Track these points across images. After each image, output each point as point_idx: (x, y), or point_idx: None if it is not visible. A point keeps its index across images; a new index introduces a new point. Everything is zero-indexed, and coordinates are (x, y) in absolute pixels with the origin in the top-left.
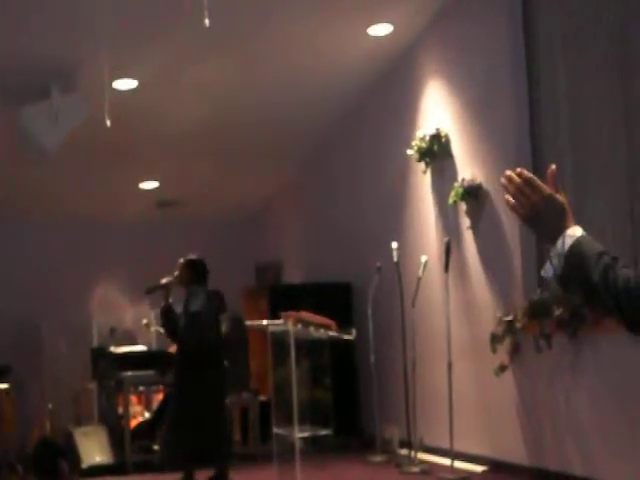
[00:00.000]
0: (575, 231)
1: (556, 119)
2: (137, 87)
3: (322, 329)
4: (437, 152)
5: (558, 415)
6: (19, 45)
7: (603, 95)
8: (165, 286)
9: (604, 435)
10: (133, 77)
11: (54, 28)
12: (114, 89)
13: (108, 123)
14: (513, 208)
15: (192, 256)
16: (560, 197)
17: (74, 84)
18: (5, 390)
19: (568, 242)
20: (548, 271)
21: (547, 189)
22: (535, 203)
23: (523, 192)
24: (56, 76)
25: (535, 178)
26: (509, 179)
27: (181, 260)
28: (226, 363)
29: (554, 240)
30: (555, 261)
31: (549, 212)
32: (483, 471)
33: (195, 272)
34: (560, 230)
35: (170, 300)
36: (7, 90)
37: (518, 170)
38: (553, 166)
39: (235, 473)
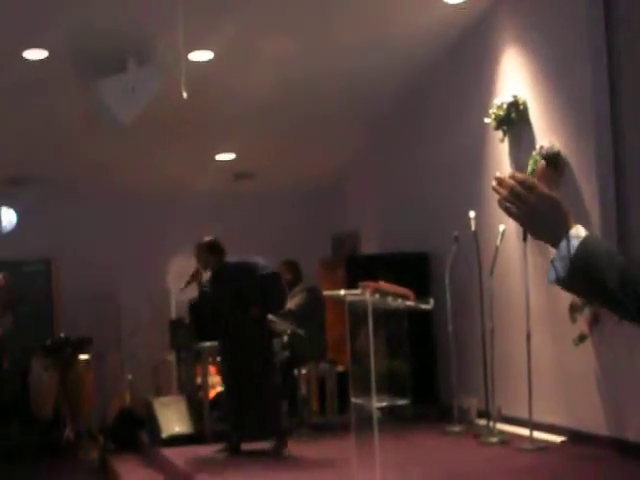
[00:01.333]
0: (579, 231)
1: (636, 85)
2: (212, 58)
3: (400, 299)
4: (515, 120)
5: (638, 385)
6: (95, 18)
7: None
8: (195, 276)
9: None
10: (209, 48)
11: (129, 1)
12: (190, 61)
13: (185, 95)
14: (508, 211)
15: (207, 238)
16: (558, 196)
17: (150, 57)
18: (86, 361)
19: (574, 244)
20: (551, 275)
21: (544, 188)
22: (533, 204)
23: (518, 194)
24: (132, 49)
25: (530, 178)
26: (499, 182)
27: (197, 244)
28: (302, 333)
29: (557, 242)
30: (559, 264)
31: (549, 212)
32: (562, 441)
33: (214, 253)
34: (562, 231)
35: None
36: (84, 63)
37: (509, 173)
38: (542, 162)
39: (313, 443)
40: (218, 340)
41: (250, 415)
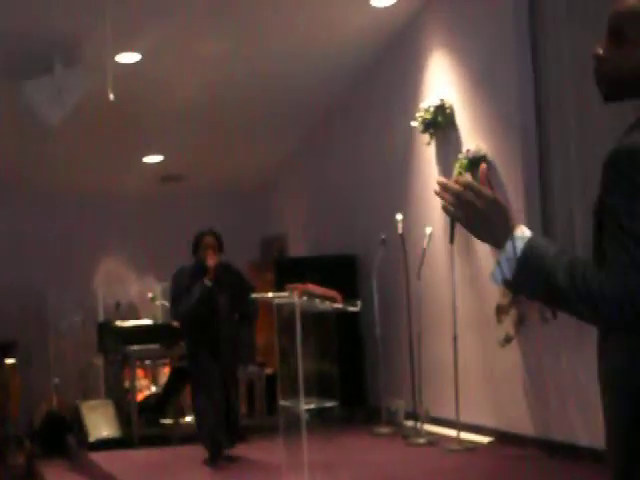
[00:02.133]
0: (524, 232)
1: (560, 89)
2: (140, 60)
3: (327, 301)
4: (441, 123)
5: (563, 385)
6: (22, 19)
7: None
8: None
9: None
10: (137, 50)
11: (57, 2)
12: (117, 63)
13: (111, 97)
14: (454, 216)
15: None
16: (502, 200)
17: (77, 58)
18: (12, 365)
19: (519, 245)
20: (497, 275)
21: (490, 192)
22: (479, 209)
23: (464, 198)
24: (59, 50)
25: (475, 183)
26: (443, 187)
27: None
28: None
29: (502, 243)
30: (505, 265)
31: (494, 215)
32: (489, 442)
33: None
34: (507, 232)
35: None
36: (10, 64)
37: (454, 178)
38: (484, 165)
39: (242, 445)
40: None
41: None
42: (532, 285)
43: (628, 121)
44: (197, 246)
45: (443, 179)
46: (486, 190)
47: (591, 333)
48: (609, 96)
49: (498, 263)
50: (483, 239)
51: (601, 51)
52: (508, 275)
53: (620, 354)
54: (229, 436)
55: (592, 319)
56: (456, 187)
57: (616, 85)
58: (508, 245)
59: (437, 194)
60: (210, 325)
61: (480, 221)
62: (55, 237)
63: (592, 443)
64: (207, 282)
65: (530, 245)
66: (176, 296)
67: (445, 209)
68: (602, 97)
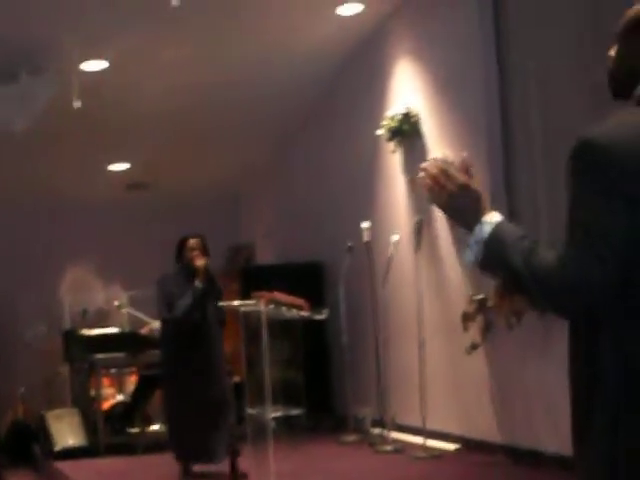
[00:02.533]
0: (493, 217)
1: (526, 98)
2: (107, 68)
3: (294, 309)
4: (407, 132)
5: (529, 392)
6: None
7: (573, 74)
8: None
9: None
10: (103, 58)
11: (23, 9)
12: (83, 70)
13: (77, 104)
14: (432, 198)
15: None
16: (474, 184)
17: (43, 66)
18: None
19: (487, 229)
20: (469, 257)
21: (462, 177)
22: (451, 192)
23: (439, 182)
24: (25, 58)
25: (450, 168)
26: (424, 170)
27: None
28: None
29: (472, 226)
30: (475, 247)
31: (465, 200)
32: (455, 449)
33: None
34: (477, 217)
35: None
36: None
37: (432, 158)
38: (465, 154)
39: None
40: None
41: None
42: (494, 267)
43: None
44: (181, 250)
45: (425, 163)
46: (459, 175)
47: (557, 339)
48: (614, 93)
49: (468, 246)
50: (456, 222)
51: (612, 52)
52: (479, 257)
53: (604, 355)
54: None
55: (543, 305)
56: (433, 170)
57: (615, 85)
58: (477, 229)
59: (420, 179)
60: (200, 330)
61: (453, 204)
62: (21, 245)
63: (558, 450)
64: (198, 284)
65: (496, 229)
66: (168, 301)
67: (427, 191)
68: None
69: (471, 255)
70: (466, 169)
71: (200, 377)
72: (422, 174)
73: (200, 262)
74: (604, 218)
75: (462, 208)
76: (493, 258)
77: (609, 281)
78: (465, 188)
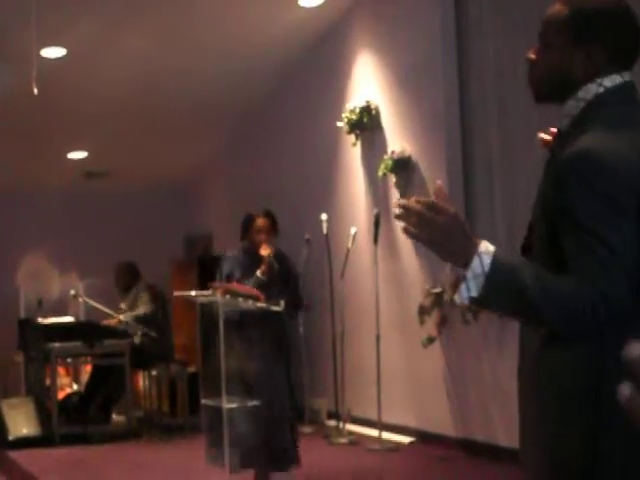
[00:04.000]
0: (487, 247)
1: (484, 92)
2: (65, 55)
3: (250, 300)
4: (367, 124)
5: (484, 386)
6: None
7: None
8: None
9: None
10: (62, 45)
11: None
12: (42, 57)
13: (35, 91)
14: (416, 237)
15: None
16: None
17: (1, 52)
18: None
19: (486, 260)
20: (464, 293)
21: (451, 207)
22: (443, 224)
23: (427, 218)
24: None
25: (437, 202)
26: (406, 208)
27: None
28: (154, 335)
29: (467, 260)
30: (473, 282)
31: (456, 232)
32: (411, 442)
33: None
34: (471, 248)
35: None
36: None
37: (413, 198)
38: (439, 182)
39: (164, 445)
40: None
41: None
42: (502, 300)
43: (550, 122)
44: (247, 229)
45: (403, 200)
46: (447, 206)
47: (512, 334)
48: (538, 97)
49: (465, 281)
50: (448, 258)
51: (533, 55)
52: (474, 292)
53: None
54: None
55: (568, 326)
56: (417, 207)
57: (543, 87)
58: (475, 261)
59: (397, 217)
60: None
61: (444, 240)
62: None
63: (512, 443)
64: (261, 276)
65: (497, 259)
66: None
67: (406, 231)
68: (534, 98)
69: (467, 290)
70: (445, 200)
71: None
72: (399, 212)
73: (265, 252)
74: (613, 234)
75: (454, 240)
76: (499, 290)
77: (622, 300)
78: (457, 218)
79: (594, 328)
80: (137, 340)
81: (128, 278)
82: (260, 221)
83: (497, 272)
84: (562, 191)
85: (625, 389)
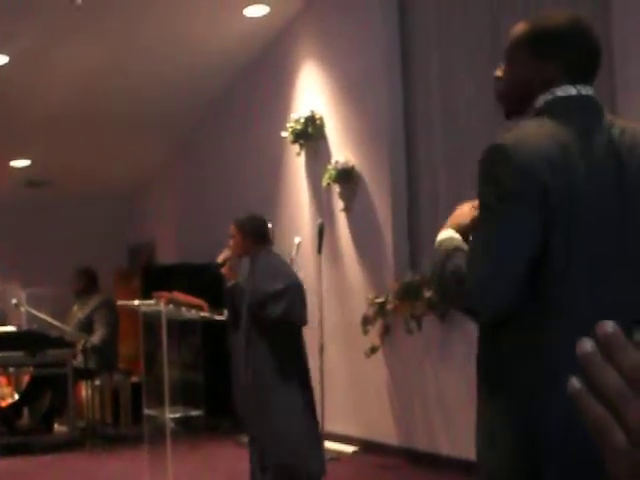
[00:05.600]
0: (442, 234)
1: (428, 102)
2: (8, 63)
3: (194, 310)
4: (311, 134)
5: (427, 396)
6: None
7: (474, 79)
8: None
9: (472, 416)
10: (4, 53)
11: None
12: None
13: None
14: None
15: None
16: None
17: None
18: None
19: (435, 245)
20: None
21: None
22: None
23: None
24: None
25: None
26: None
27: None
28: (97, 343)
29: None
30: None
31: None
32: (353, 451)
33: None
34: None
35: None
36: None
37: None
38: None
39: (106, 454)
40: None
41: None
42: (431, 277)
43: (493, 132)
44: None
45: None
46: None
47: (455, 343)
48: (507, 114)
49: None
50: None
51: (499, 73)
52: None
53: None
54: None
55: (450, 304)
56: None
57: (508, 102)
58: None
59: None
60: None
61: None
62: None
63: (454, 452)
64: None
65: (437, 244)
66: None
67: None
68: (503, 114)
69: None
70: None
71: None
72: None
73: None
74: (504, 226)
75: None
76: (431, 270)
77: (502, 291)
78: None
79: (476, 315)
80: (79, 349)
81: (85, 282)
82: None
83: (433, 255)
84: (477, 181)
85: (575, 383)
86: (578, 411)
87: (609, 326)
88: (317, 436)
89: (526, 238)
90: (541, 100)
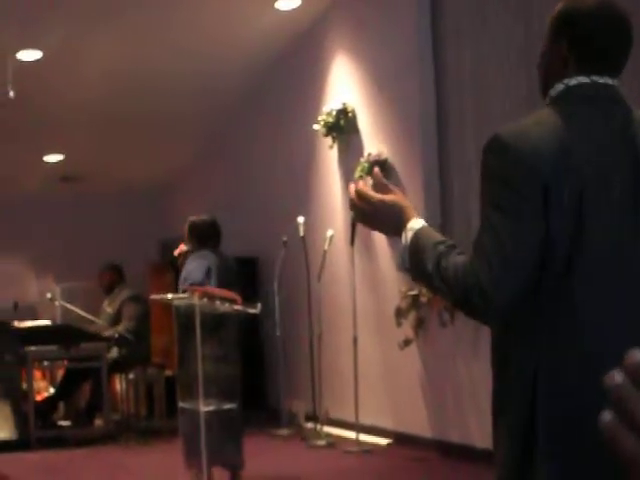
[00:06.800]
0: (414, 224)
1: (461, 94)
2: (41, 58)
3: (227, 303)
4: (344, 127)
5: (460, 388)
6: None
7: (508, 70)
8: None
9: None
10: (37, 48)
11: None
12: (18, 60)
13: (11, 94)
14: (352, 218)
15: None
16: (391, 197)
17: None
18: None
19: (409, 235)
20: (398, 263)
21: (374, 196)
22: (367, 212)
23: (356, 204)
24: None
25: (363, 189)
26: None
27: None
28: (123, 334)
29: (398, 235)
30: (402, 254)
31: (383, 214)
32: (387, 444)
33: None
34: (402, 226)
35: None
36: None
37: (354, 182)
38: (376, 169)
39: (141, 448)
40: None
41: None
42: (415, 271)
43: None
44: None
45: (350, 186)
46: (372, 195)
47: (488, 336)
48: (542, 92)
49: (399, 252)
50: (383, 233)
51: (543, 49)
52: (405, 264)
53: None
54: None
55: (453, 304)
56: (350, 193)
57: (541, 81)
58: (403, 236)
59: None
60: None
61: (372, 221)
62: None
63: (487, 445)
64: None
65: (415, 235)
66: None
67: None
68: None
69: (400, 261)
70: (381, 184)
71: None
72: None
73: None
74: (501, 219)
75: (383, 222)
76: (412, 262)
77: (498, 286)
78: (379, 204)
79: (476, 315)
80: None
81: (112, 278)
82: None
83: (413, 247)
84: (480, 174)
85: (606, 416)
86: (608, 442)
87: (638, 355)
88: None
89: (535, 235)
90: (556, 90)
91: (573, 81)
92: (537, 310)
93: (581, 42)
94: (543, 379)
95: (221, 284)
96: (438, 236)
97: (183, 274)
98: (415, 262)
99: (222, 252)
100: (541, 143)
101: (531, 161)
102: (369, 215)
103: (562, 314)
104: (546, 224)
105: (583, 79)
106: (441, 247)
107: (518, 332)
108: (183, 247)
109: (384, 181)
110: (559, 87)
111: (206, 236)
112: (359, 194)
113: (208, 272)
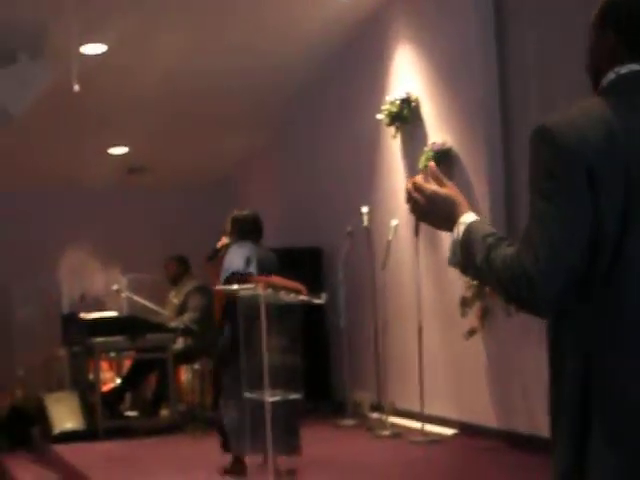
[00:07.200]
0: (467, 218)
1: (525, 82)
2: (106, 51)
3: (292, 294)
4: (407, 116)
5: (526, 378)
6: None
7: (572, 58)
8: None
9: None
10: (102, 41)
11: None
12: (83, 54)
13: (76, 88)
14: (409, 209)
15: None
16: (445, 190)
17: (42, 49)
18: None
19: (461, 229)
20: (451, 258)
21: (429, 188)
22: (422, 204)
23: (412, 197)
24: (23, 41)
25: (420, 181)
26: (406, 191)
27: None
28: (195, 328)
29: (450, 230)
30: (456, 250)
31: (437, 207)
32: (453, 434)
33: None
34: (453, 220)
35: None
36: None
37: (410, 179)
38: (432, 163)
39: (206, 438)
40: None
41: None
42: (464, 265)
43: None
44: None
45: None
46: (427, 187)
47: None
48: (593, 85)
49: (451, 247)
50: (435, 227)
51: (589, 46)
52: (458, 258)
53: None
54: None
55: (503, 296)
56: (407, 185)
57: (590, 75)
58: (454, 231)
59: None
60: None
61: (426, 214)
62: (19, 229)
63: None
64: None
65: (468, 229)
66: None
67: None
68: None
69: (451, 255)
70: (436, 177)
71: None
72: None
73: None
74: (548, 208)
75: (436, 215)
76: (464, 256)
77: (546, 276)
78: (433, 197)
79: (525, 307)
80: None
81: (177, 269)
82: None
83: (465, 240)
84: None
85: None
86: None
87: None
88: None
89: (582, 221)
90: (607, 79)
91: (624, 69)
92: (586, 297)
93: (628, 30)
94: (596, 373)
95: (262, 273)
96: (489, 229)
97: (224, 264)
98: (465, 255)
99: (263, 245)
100: (587, 130)
101: (576, 148)
102: (422, 207)
103: (610, 299)
104: (593, 209)
105: (634, 66)
106: (490, 239)
107: (569, 319)
108: (225, 240)
109: (439, 175)
110: (610, 76)
111: (247, 230)
112: (415, 186)
113: (248, 261)
